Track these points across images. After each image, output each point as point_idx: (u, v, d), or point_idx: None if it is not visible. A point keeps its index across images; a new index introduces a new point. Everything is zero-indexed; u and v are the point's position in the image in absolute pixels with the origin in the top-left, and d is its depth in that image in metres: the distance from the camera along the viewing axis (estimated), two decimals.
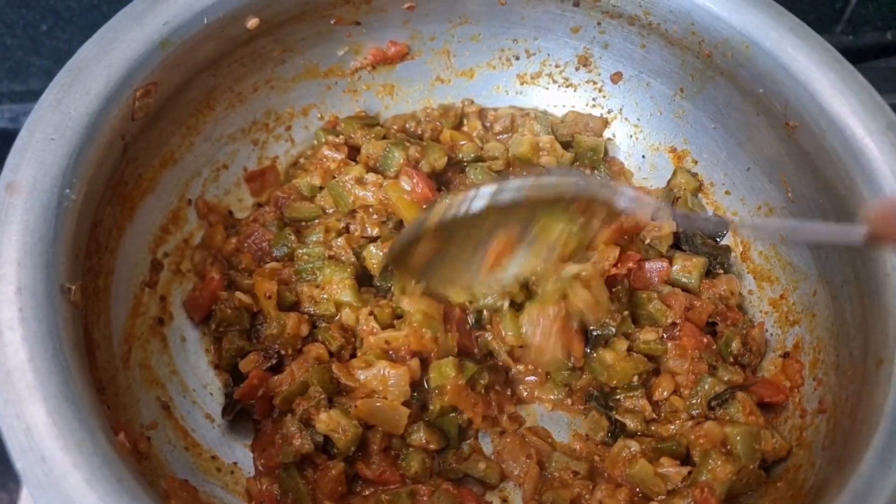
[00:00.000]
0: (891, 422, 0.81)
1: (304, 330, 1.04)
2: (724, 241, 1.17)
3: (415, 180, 1.09)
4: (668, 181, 1.20)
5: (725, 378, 1.04)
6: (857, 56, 1.68)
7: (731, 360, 1.07)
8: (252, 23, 1.05)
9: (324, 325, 1.04)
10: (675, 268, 1.10)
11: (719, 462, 0.95)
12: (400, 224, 1.10)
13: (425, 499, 0.96)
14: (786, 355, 1.07)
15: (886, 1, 1.62)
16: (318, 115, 1.21)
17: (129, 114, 0.95)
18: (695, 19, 1.07)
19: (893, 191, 0.92)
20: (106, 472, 0.72)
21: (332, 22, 1.13)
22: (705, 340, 1.06)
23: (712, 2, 1.05)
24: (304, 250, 1.07)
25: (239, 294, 1.05)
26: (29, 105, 0.90)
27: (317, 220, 1.12)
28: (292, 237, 1.09)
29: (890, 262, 0.90)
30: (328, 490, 0.96)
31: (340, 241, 1.08)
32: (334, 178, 1.13)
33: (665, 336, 1.06)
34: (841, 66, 1.00)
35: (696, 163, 1.20)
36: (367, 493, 0.99)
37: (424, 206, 1.08)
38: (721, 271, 1.14)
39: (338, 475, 0.96)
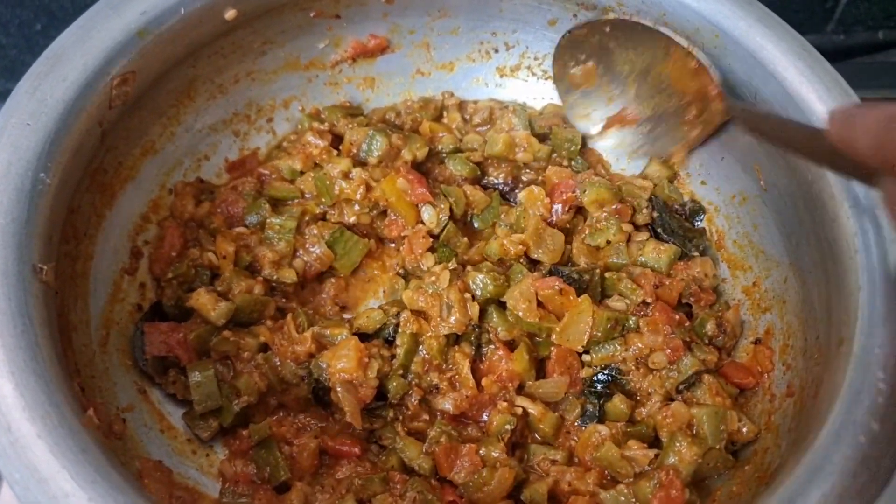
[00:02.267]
0: (847, 399, 0.81)
1: (259, 291, 1.06)
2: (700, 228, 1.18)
3: (411, 177, 1.11)
4: (643, 170, 1.21)
5: (701, 358, 1.04)
6: (847, 55, 1.69)
7: (706, 341, 1.07)
8: (230, 14, 1.06)
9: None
10: (646, 250, 1.11)
11: (685, 444, 0.95)
12: (384, 213, 1.12)
13: (399, 486, 0.97)
14: (757, 342, 1.07)
15: (877, 0, 1.63)
16: (300, 108, 1.23)
17: (107, 102, 0.97)
18: (666, 9, 1.08)
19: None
20: (70, 442, 0.74)
21: (311, 15, 1.15)
22: (678, 318, 1.06)
23: None
24: (276, 220, 1.09)
25: (209, 254, 1.07)
26: None
27: (295, 201, 1.13)
28: (266, 207, 1.11)
29: (853, 245, 0.90)
30: (306, 464, 0.98)
31: (315, 230, 1.09)
32: (316, 164, 1.15)
33: (638, 314, 1.06)
34: (808, 54, 1.01)
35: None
36: (340, 474, 1.00)
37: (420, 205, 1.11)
38: (696, 254, 1.15)
39: (315, 449, 0.98)
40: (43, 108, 0.90)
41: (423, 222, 1.12)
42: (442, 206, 1.12)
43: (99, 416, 0.84)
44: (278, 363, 1.02)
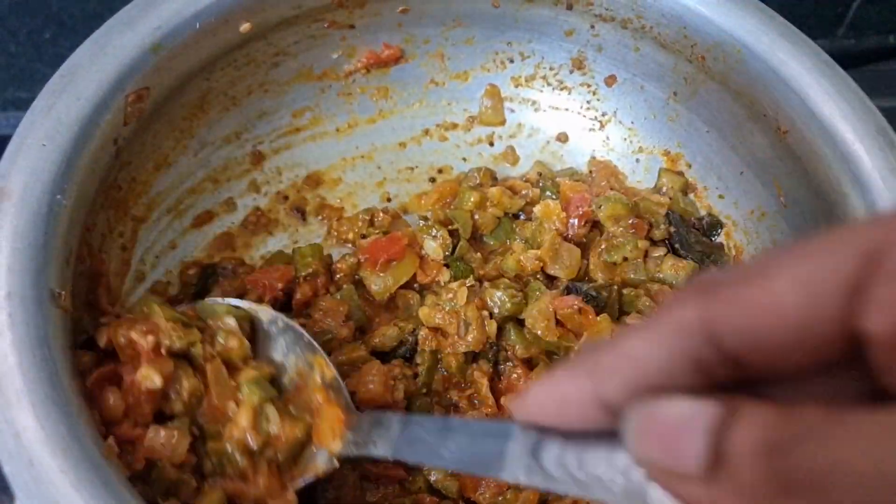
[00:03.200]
0: None
1: None
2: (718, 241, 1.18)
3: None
4: (656, 183, 1.20)
5: None
6: (858, 60, 1.68)
7: None
8: (245, 27, 1.05)
9: None
10: (664, 266, 1.10)
11: None
12: None
13: None
14: None
15: (889, 4, 1.62)
16: (311, 117, 1.21)
17: (122, 118, 0.95)
18: (687, 23, 1.07)
19: (882, 195, 0.92)
20: (93, 476, 0.73)
21: (325, 25, 1.13)
22: None
23: (704, 5, 1.05)
24: None
25: None
26: None
27: None
28: None
29: None
30: (350, 499, 0.97)
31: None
32: None
33: None
34: (832, 70, 1.00)
35: (689, 166, 1.20)
36: (369, 498, 0.99)
37: None
38: (715, 269, 1.14)
39: (356, 480, 0.97)
40: (58, 127, 0.88)
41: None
42: (439, 234, 1.11)
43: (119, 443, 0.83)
44: None
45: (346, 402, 0.89)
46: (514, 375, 1.04)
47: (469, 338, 1.02)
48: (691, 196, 1.19)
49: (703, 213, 1.18)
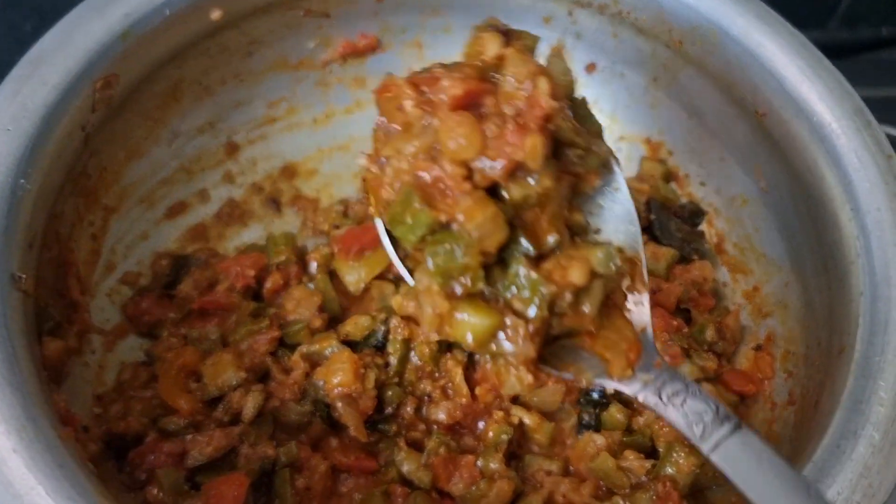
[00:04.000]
0: (847, 409, 0.79)
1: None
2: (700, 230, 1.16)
3: None
4: (637, 171, 1.19)
5: (700, 365, 1.01)
6: (851, 51, 1.67)
7: (706, 348, 1.05)
8: (216, 14, 1.04)
9: None
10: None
11: (683, 454, 0.92)
12: None
13: (400, 499, 0.95)
14: (758, 348, 1.05)
15: None
16: (287, 108, 1.20)
17: (90, 105, 0.95)
18: (664, 7, 1.05)
19: (858, 175, 0.90)
20: (47, 457, 0.72)
21: (300, 14, 1.13)
22: (676, 323, 1.04)
23: None
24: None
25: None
26: None
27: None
28: None
29: (854, 249, 0.88)
30: (320, 488, 0.95)
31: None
32: None
33: None
34: (808, 52, 0.98)
35: (671, 154, 1.18)
36: (342, 489, 0.98)
37: None
38: (696, 257, 1.12)
39: (326, 470, 0.95)
40: (23, 112, 0.88)
41: None
42: None
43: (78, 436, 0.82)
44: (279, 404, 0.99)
45: (646, 331, 0.75)
46: (489, 365, 1.02)
47: None
48: (673, 184, 1.18)
49: (684, 200, 1.16)
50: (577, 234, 0.72)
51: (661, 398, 0.70)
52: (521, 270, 0.66)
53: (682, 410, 0.68)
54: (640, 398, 0.72)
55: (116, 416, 0.97)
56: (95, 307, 1.03)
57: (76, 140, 0.94)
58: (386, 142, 0.69)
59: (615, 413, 0.99)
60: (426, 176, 0.66)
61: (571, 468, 0.99)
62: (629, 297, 0.75)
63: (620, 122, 1.21)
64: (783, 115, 0.98)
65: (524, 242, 0.67)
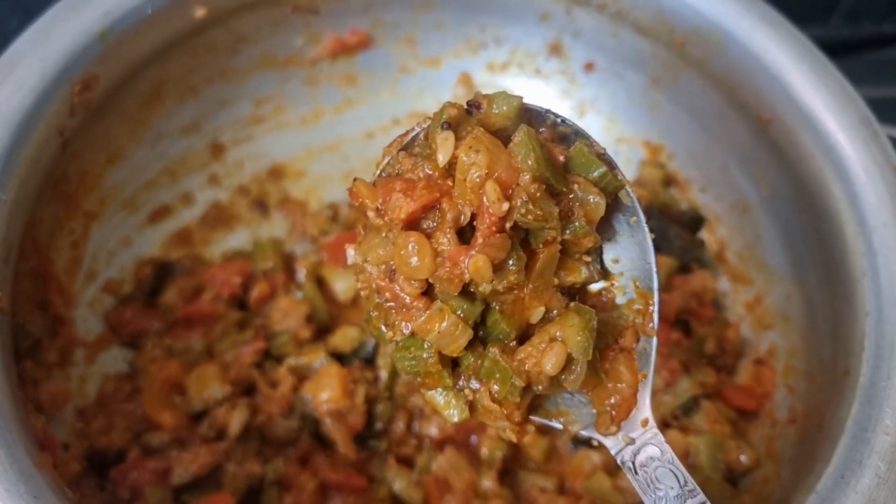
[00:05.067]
0: (852, 436, 0.76)
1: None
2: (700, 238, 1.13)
3: None
4: (636, 175, 1.15)
5: (700, 380, 0.99)
6: (853, 47, 1.63)
7: (705, 361, 1.02)
8: (200, 12, 1.01)
9: None
10: None
11: None
12: None
13: None
14: (759, 361, 1.02)
15: None
16: (274, 107, 1.16)
17: (68, 109, 0.91)
18: (664, 7, 1.02)
19: (865, 187, 0.87)
20: (21, 487, 0.69)
21: (289, 10, 1.09)
22: (674, 336, 1.01)
23: None
24: None
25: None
26: None
27: None
28: None
29: (860, 266, 0.85)
30: None
31: None
32: None
33: None
34: (814, 57, 0.95)
35: (671, 158, 1.15)
36: None
37: None
38: (696, 266, 1.09)
39: (315, 489, 0.93)
40: None
41: None
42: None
43: (57, 459, 0.79)
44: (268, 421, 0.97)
45: (647, 383, 0.70)
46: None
47: None
48: (672, 189, 1.14)
49: (684, 206, 1.13)
50: (586, 284, 0.68)
51: (633, 463, 0.67)
52: (496, 358, 0.64)
53: (649, 479, 0.66)
54: (617, 458, 0.69)
55: (98, 431, 0.94)
56: (77, 317, 1.00)
57: (54, 145, 0.91)
58: (361, 241, 0.67)
59: None
60: (386, 292, 0.65)
61: (566, 485, 0.96)
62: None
63: (619, 123, 1.18)
64: (787, 122, 0.95)
65: (503, 327, 0.64)
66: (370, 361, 1.00)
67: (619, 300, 0.71)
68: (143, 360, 0.99)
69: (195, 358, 0.99)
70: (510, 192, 0.60)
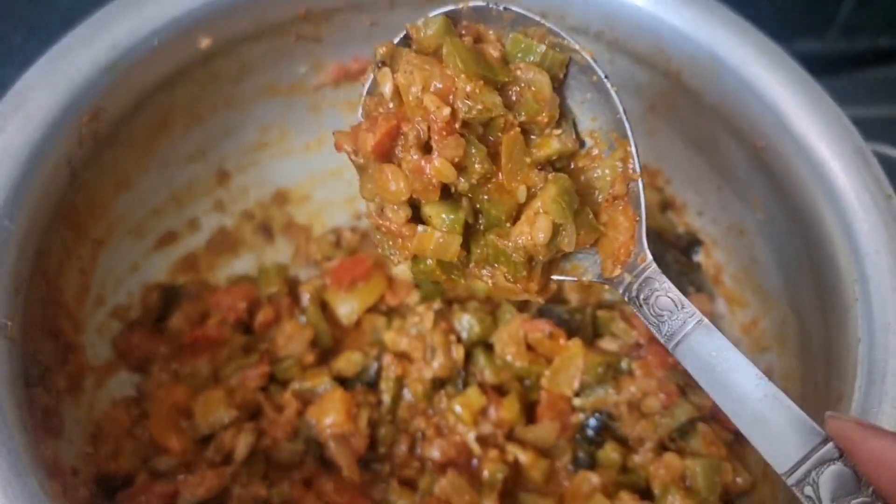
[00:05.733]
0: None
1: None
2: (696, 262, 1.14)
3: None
4: None
5: (696, 403, 1.00)
6: (849, 62, 1.65)
7: None
8: (206, 43, 1.02)
9: None
10: None
11: (678, 497, 0.92)
12: None
13: None
14: None
15: (880, 6, 1.58)
16: (279, 133, 1.18)
17: (77, 140, 0.93)
18: (662, 36, 1.03)
19: (858, 216, 0.89)
20: None
21: (291, 40, 1.10)
22: (671, 360, 1.03)
23: (678, 19, 1.01)
24: None
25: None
26: None
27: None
28: None
29: (853, 293, 0.87)
30: None
31: None
32: None
33: (631, 356, 1.03)
34: (808, 86, 0.96)
35: (668, 182, 1.17)
36: None
37: None
38: (692, 290, 1.11)
39: None
40: (8, 151, 0.86)
41: None
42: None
43: (67, 485, 0.81)
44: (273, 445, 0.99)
45: (640, 223, 0.74)
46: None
47: (435, 363, 0.99)
48: (670, 213, 1.16)
49: (681, 229, 1.15)
50: (563, 154, 0.73)
51: (638, 297, 0.72)
52: (494, 243, 0.69)
53: (653, 309, 0.71)
54: (625, 297, 0.73)
55: (107, 455, 0.96)
56: (86, 343, 1.01)
57: (63, 176, 0.92)
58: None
59: (610, 452, 0.98)
60: (381, 227, 0.70)
61: None
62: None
63: None
64: (781, 150, 0.96)
65: (494, 214, 0.69)
66: (373, 385, 1.02)
67: (605, 154, 0.75)
68: (151, 385, 1.01)
69: (202, 382, 1.01)
70: (451, 97, 0.67)
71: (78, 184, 0.97)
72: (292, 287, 1.11)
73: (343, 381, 1.02)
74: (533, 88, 0.71)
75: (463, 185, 0.68)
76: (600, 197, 0.73)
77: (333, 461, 0.97)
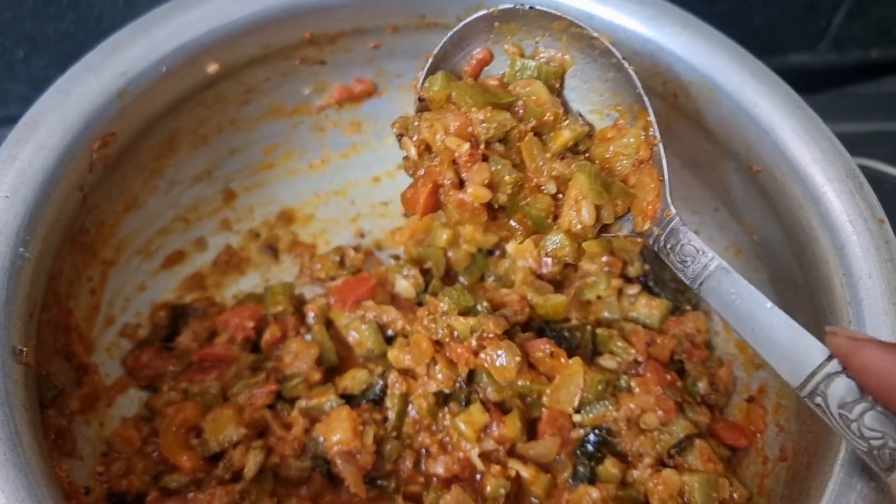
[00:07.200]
0: (840, 482, 0.80)
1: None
2: None
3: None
4: None
5: (694, 420, 1.03)
6: (841, 74, 1.67)
7: (699, 400, 1.06)
8: (213, 68, 1.04)
9: None
10: (638, 304, 1.11)
11: None
12: None
13: None
14: (750, 399, 1.06)
15: (871, 19, 1.61)
16: (283, 153, 1.20)
17: (87, 166, 0.95)
18: (658, 61, 1.06)
19: (850, 239, 0.91)
20: None
21: (296, 62, 1.13)
22: (669, 377, 1.06)
23: (675, 44, 1.04)
24: None
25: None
26: (6, 130, 0.90)
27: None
28: None
29: (846, 315, 0.89)
30: None
31: None
32: None
33: (630, 373, 1.06)
34: (802, 112, 0.99)
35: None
36: None
37: None
38: (689, 308, 1.14)
39: None
40: (22, 178, 0.88)
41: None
42: (411, 273, 1.11)
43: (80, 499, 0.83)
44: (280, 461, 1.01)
45: (664, 183, 0.86)
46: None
47: (438, 375, 1.01)
48: None
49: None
50: (578, 139, 0.86)
51: (665, 247, 0.83)
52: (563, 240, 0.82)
53: (679, 256, 0.82)
54: (654, 247, 0.84)
55: (118, 474, 0.98)
56: (96, 362, 1.03)
57: (74, 201, 0.95)
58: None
59: (610, 467, 1.01)
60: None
61: None
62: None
63: None
64: (776, 174, 0.98)
65: (534, 213, 0.82)
66: (378, 402, 1.04)
67: (630, 124, 0.88)
68: (160, 403, 1.03)
69: (210, 400, 1.03)
70: (469, 129, 0.80)
71: (88, 207, 0.99)
72: (298, 305, 1.14)
73: (349, 399, 1.04)
74: (533, 97, 0.84)
75: (501, 197, 0.80)
76: (627, 162, 0.85)
77: (340, 477, 1.00)
